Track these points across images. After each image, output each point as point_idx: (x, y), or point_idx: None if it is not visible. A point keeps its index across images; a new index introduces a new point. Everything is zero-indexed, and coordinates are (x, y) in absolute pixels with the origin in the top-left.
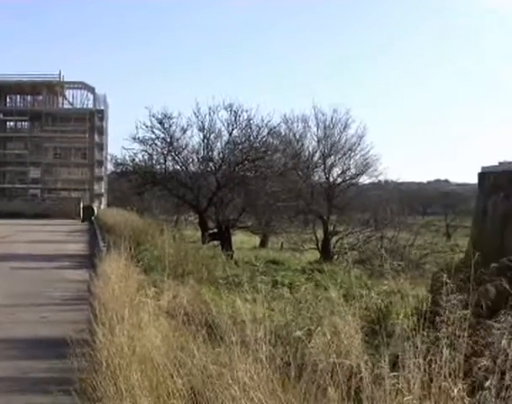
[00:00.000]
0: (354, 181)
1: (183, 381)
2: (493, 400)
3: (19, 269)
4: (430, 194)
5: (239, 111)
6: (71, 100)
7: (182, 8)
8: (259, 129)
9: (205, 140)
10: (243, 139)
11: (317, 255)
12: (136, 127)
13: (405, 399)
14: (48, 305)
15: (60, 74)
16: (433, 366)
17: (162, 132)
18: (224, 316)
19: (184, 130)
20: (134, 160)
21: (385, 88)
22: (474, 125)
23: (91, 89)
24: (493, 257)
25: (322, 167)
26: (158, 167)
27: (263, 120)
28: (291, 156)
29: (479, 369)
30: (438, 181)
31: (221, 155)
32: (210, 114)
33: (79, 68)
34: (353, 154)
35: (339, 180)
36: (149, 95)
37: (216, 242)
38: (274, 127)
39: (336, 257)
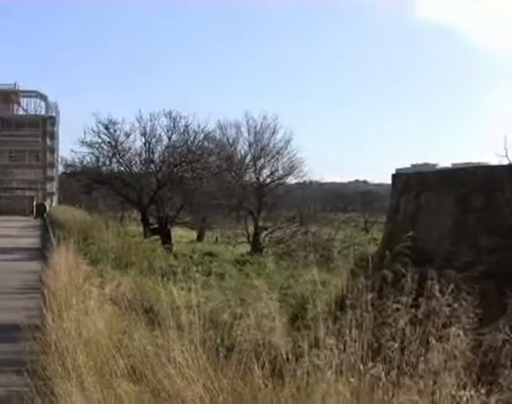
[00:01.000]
0: (281, 181)
1: (124, 361)
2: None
3: None
4: (350, 193)
5: (178, 118)
6: (25, 107)
7: (125, 18)
8: (196, 134)
9: (147, 144)
10: (181, 143)
11: (249, 248)
12: (84, 132)
13: (323, 375)
14: (1, 293)
15: (15, 84)
16: (346, 345)
17: (108, 137)
18: (162, 303)
19: (128, 135)
20: (82, 162)
21: (312, 97)
22: (389, 130)
23: (44, 97)
24: (403, 249)
25: (253, 168)
26: (104, 168)
27: (199, 126)
28: (225, 158)
29: (384, 346)
30: (357, 181)
31: (161, 157)
32: (151, 120)
33: (33, 78)
34: (280, 157)
35: (268, 180)
36: (97, 103)
37: (156, 237)
38: (210, 132)
39: (265, 249)
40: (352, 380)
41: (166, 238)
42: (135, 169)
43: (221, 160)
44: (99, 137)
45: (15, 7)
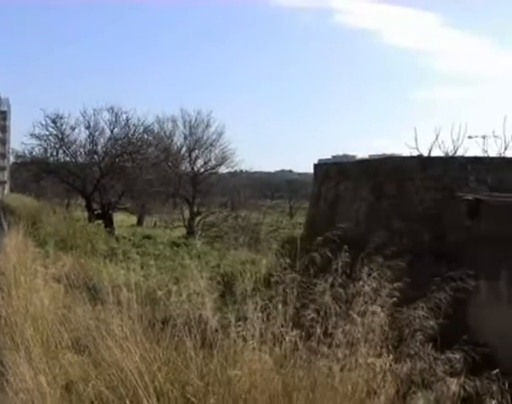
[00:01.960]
0: (214, 170)
1: (68, 334)
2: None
3: None
4: (277, 181)
5: (119, 112)
6: None
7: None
8: (136, 127)
9: (91, 137)
10: (123, 135)
11: (184, 231)
12: (33, 125)
13: (248, 344)
14: None
15: None
16: (269, 318)
17: (55, 130)
18: (103, 281)
19: (73, 128)
20: (31, 153)
21: (242, 92)
22: (313, 124)
23: None
24: (324, 232)
25: (188, 159)
26: (52, 158)
27: (139, 120)
28: (163, 150)
29: (306, 319)
30: (283, 171)
31: (104, 149)
32: (94, 115)
33: None
34: (213, 148)
35: (202, 170)
36: (46, 98)
37: (100, 221)
38: (149, 126)
39: (199, 233)
40: (276, 348)
41: (108, 223)
42: (80, 159)
43: (159, 151)
44: (47, 130)
45: None
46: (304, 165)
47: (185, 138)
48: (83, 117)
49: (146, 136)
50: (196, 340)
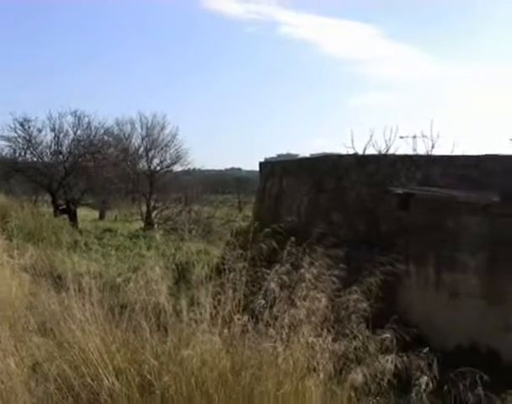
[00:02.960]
0: (169, 169)
1: (35, 319)
2: (265, 326)
3: None
4: (227, 178)
5: (82, 116)
6: None
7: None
8: (97, 129)
9: (56, 138)
10: (85, 137)
11: (142, 224)
12: (2, 128)
13: (199, 327)
14: None
15: None
16: (220, 303)
17: (23, 132)
18: (67, 270)
19: (40, 131)
20: (1, 153)
21: (195, 97)
22: (260, 125)
23: None
24: (269, 224)
25: (146, 158)
26: (20, 158)
27: (100, 123)
28: (122, 150)
29: (255, 304)
30: (233, 169)
31: (68, 149)
32: (59, 118)
33: None
34: (168, 148)
35: (158, 168)
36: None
37: (64, 216)
38: (109, 128)
39: (156, 225)
40: (225, 330)
41: (72, 217)
42: (46, 159)
43: (118, 151)
44: (16, 132)
45: None
46: (252, 163)
47: (142, 139)
48: (49, 120)
49: (106, 138)
50: (152, 323)
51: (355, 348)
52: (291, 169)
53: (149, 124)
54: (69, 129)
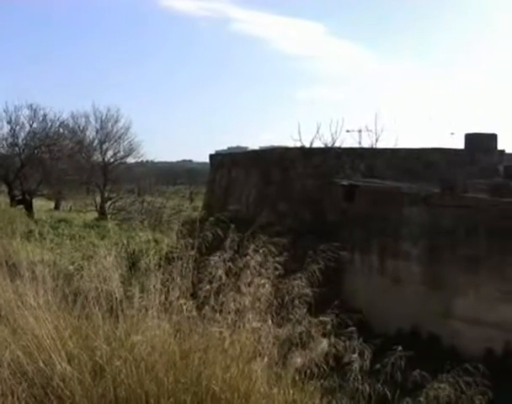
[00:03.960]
0: (123, 161)
1: None
2: (211, 312)
3: None
4: (179, 170)
5: (37, 109)
6: None
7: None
8: (53, 122)
9: (12, 131)
10: (41, 130)
11: (96, 215)
12: None
13: (148, 312)
14: None
15: None
16: (169, 290)
17: None
18: (21, 259)
19: None
20: None
21: (148, 91)
22: (211, 119)
23: None
24: (219, 214)
25: (100, 150)
26: None
27: (55, 116)
28: (77, 142)
29: (202, 290)
30: (184, 161)
31: (24, 141)
32: (15, 111)
33: None
34: (122, 141)
35: (112, 160)
36: None
37: (21, 206)
38: (64, 121)
39: (110, 216)
40: (174, 316)
41: (28, 207)
42: (2, 151)
43: (73, 143)
44: None
45: None
46: (203, 156)
47: (97, 132)
48: (5, 113)
49: (61, 130)
50: (104, 310)
51: (299, 333)
52: (240, 161)
53: (103, 118)
54: (25, 121)
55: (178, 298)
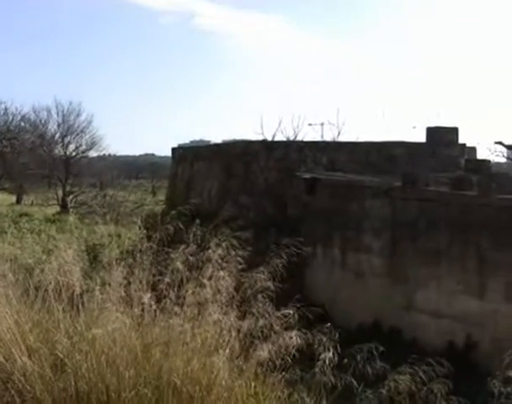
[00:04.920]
0: (85, 154)
1: None
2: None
3: None
4: (141, 164)
5: None
6: None
7: None
8: (14, 116)
9: None
10: (2, 123)
11: (58, 208)
12: None
13: (107, 305)
14: None
15: None
16: (130, 283)
17: None
18: None
19: None
20: None
21: (110, 84)
22: (175, 113)
23: None
24: (181, 207)
25: (62, 144)
26: None
27: (17, 109)
28: (38, 136)
29: (162, 283)
30: (147, 154)
31: None
32: None
33: None
34: (84, 134)
35: (74, 154)
36: None
37: None
38: (25, 114)
39: (72, 210)
40: (134, 309)
41: None
42: None
43: (35, 137)
44: None
45: None
46: (165, 149)
47: (59, 125)
48: None
49: (23, 124)
50: (65, 303)
51: (261, 326)
52: (202, 154)
53: (65, 111)
54: None
55: (137, 291)
